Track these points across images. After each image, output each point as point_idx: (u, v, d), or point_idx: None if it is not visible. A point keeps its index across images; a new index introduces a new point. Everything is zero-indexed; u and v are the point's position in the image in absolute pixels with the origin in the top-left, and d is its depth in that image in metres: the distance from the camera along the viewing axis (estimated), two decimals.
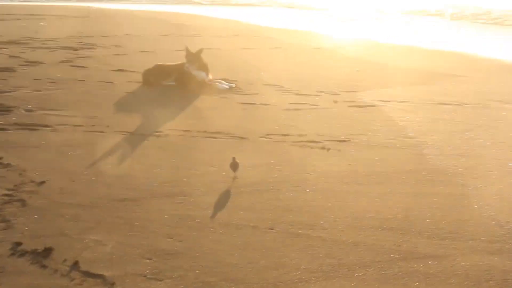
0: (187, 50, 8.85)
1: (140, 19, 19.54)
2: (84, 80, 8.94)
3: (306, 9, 26.47)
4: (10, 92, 8.01)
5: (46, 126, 6.63)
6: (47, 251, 3.81)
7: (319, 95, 8.44)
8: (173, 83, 8.96)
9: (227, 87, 8.77)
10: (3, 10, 20.23)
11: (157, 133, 6.53)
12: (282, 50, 12.82)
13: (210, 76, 8.99)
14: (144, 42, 13.38)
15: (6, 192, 4.76)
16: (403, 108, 7.72)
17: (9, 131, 6.39)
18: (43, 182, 4.99)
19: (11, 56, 10.60)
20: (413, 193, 4.96)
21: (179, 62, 9.10)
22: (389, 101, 8.03)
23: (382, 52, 12.94)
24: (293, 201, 4.78)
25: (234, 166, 5.30)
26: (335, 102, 8.05)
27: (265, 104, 7.91)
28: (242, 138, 6.45)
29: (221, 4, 29.98)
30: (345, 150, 6.09)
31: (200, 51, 8.90)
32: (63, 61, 10.36)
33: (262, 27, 17.87)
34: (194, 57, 8.82)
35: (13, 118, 6.83)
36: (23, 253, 3.79)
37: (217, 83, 8.87)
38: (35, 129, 6.50)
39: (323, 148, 6.16)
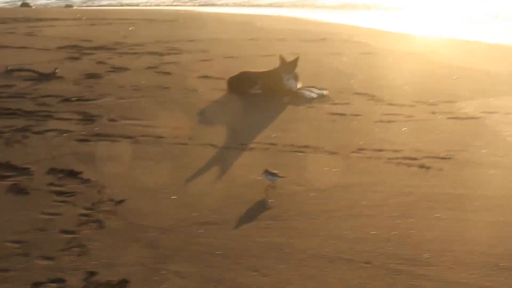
0: (282, 59, 8.48)
1: (226, 22, 19.36)
2: (169, 88, 8.72)
3: (391, 10, 25.56)
4: (95, 100, 7.88)
5: (128, 137, 6.40)
6: (122, 284, 3.50)
7: (414, 106, 7.85)
8: (259, 91, 8.60)
9: (315, 95, 8.31)
10: (96, 14, 20.60)
11: (241, 146, 6.17)
12: (371, 55, 12.21)
13: (299, 85, 8.57)
14: (230, 46, 13.11)
15: (84, 211, 4.52)
16: (511, 121, 7.02)
17: (90, 142, 6.20)
18: (121, 201, 4.73)
19: (98, 62, 10.55)
20: None
21: (266, 69, 8.73)
22: (494, 113, 7.34)
23: (480, 56, 12.10)
24: (391, 229, 4.29)
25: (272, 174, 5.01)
26: (433, 113, 7.45)
27: (356, 115, 7.41)
28: (332, 153, 6.00)
29: (305, 6, 29.53)
30: (447, 169, 5.52)
31: (297, 60, 8.51)
32: (148, 67, 10.21)
33: (350, 31, 17.26)
34: (291, 67, 8.44)
35: (96, 128, 6.66)
36: (97, 285, 3.50)
37: (305, 91, 8.42)
38: (116, 141, 6.29)
39: (421, 166, 5.61)
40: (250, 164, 5.64)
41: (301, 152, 6.03)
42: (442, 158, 5.82)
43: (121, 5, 33.28)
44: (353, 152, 6.02)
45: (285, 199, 4.81)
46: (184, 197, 4.84)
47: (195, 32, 15.80)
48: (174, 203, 4.72)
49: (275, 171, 5.06)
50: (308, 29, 17.28)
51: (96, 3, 36.11)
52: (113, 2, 36.13)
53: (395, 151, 6.03)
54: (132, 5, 33.17)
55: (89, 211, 4.52)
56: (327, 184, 5.13)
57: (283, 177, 5.07)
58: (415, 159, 5.80)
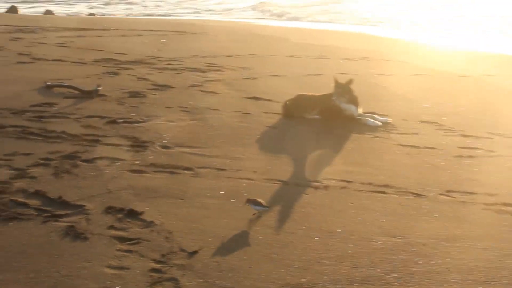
0: (335, 80, 7.82)
1: (259, 36, 18.72)
2: (219, 110, 8.09)
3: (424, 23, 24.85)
4: (143, 122, 7.27)
5: (187, 168, 5.77)
6: None
7: (491, 138, 7.17)
8: (317, 116, 7.95)
9: (380, 123, 7.64)
10: (123, 25, 20.05)
11: (315, 184, 5.52)
12: (422, 77, 11.53)
13: (360, 110, 7.91)
14: (271, 64, 12.48)
15: (154, 265, 3.88)
16: None
17: (147, 175, 5.57)
18: (195, 252, 4.08)
19: (138, 78, 9.95)
20: None
21: (324, 93, 8.08)
22: None
23: None
24: None
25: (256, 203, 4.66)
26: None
27: (430, 148, 6.74)
28: (417, 195, 5.33)
29: (329, 19, 28.90)
30: None
31: (350, 81, 7.85)
32: (192, 85, 9.59)
33: (390, 48, 16.57)
34: (344, 89, 7.77)
35: (150, 157, 6.03)
36: None
37: (367, 118, 7.76)
38: (175, 173, 5.66)
39: None
40: (331, 207, 5.00)
41: (382, 192, 5.38)
42: None
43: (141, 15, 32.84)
44: (442, 194, 5.35)
45: (384, 255, 4.15)
46: (260, 248, 4.19)
47: (230, 47, 15.19)
48: (254, 256, 4.08)
49: (260, 200, 4.70)
50: (346, 46, 16.60)
51: (115, 12, 35.77)
52: (133, 12, 35.75)
53: (489, 194, 5.36)
54: (153, 15, 32.72)
55: (160, 265, 3.88)
56: (426, 236, 4.48)
57: (268, 207, 4.71)
58: None
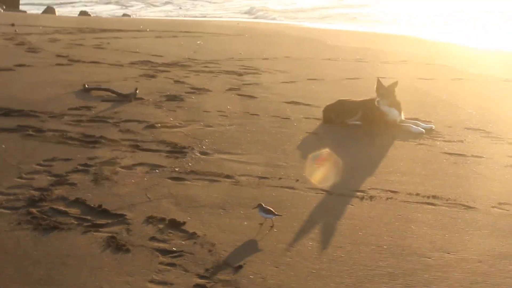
0: (378, 82, 7.61)
1: (293, 38, 18.56)
2: (258, 115, 7.93)
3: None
4: (181, 127, 7.16)
5: (227, 176, 5.62)
6: None
7: None
8: (359, 122, 7.74)
9: (423, 130, 7.40)
10: (158, 26, 20.05)
11: (359, 194, 5.33)
12: (465, 82, 11.25)
13: (403, 116, 7.68)
14: (309, 67, 12.32)
15: (198, 280, 3.73)
16: None
17: (187, 182, 5.43)
18: (240, 267, 3.93)
19: (175, 81, 9.87)
20: None
21: (366, 98, 7.86)
22: None
23: None
24: None
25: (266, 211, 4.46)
26: None
27: (478, 157, 6.50)
28: (468, 207, 5.11)
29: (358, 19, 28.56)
30: None
31: (394, 84, 7.62)
32: (230, 89, 9.46)
33: (427, 50, 16.25)
34: (387, 92, 7.55)
35: (189, 164, 5.90)
36: None
37: (411, 125, 7.52)
38: (215, 180, 5.51)
39: None
40: (378, 219, 4.79)
41: (430, 204, 5.16)
42: None
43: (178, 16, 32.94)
44: (494, 207, 5.12)
45: (438, 273, 3.94)
46: (307, 263, 4.02)
47: (266, 49, 15.08)
48: (299, 270, 3.91)
49: (269, 207, 4.52)
50: (383, 48, 16.32)
51: (151, 13, 35.94)
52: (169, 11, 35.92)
53: None
54: (190, 17, 32.78)
55: (205, 281, 3.73)
56: (481, 252, 4.26)
57: (279, 215, 4.53)
58: None
